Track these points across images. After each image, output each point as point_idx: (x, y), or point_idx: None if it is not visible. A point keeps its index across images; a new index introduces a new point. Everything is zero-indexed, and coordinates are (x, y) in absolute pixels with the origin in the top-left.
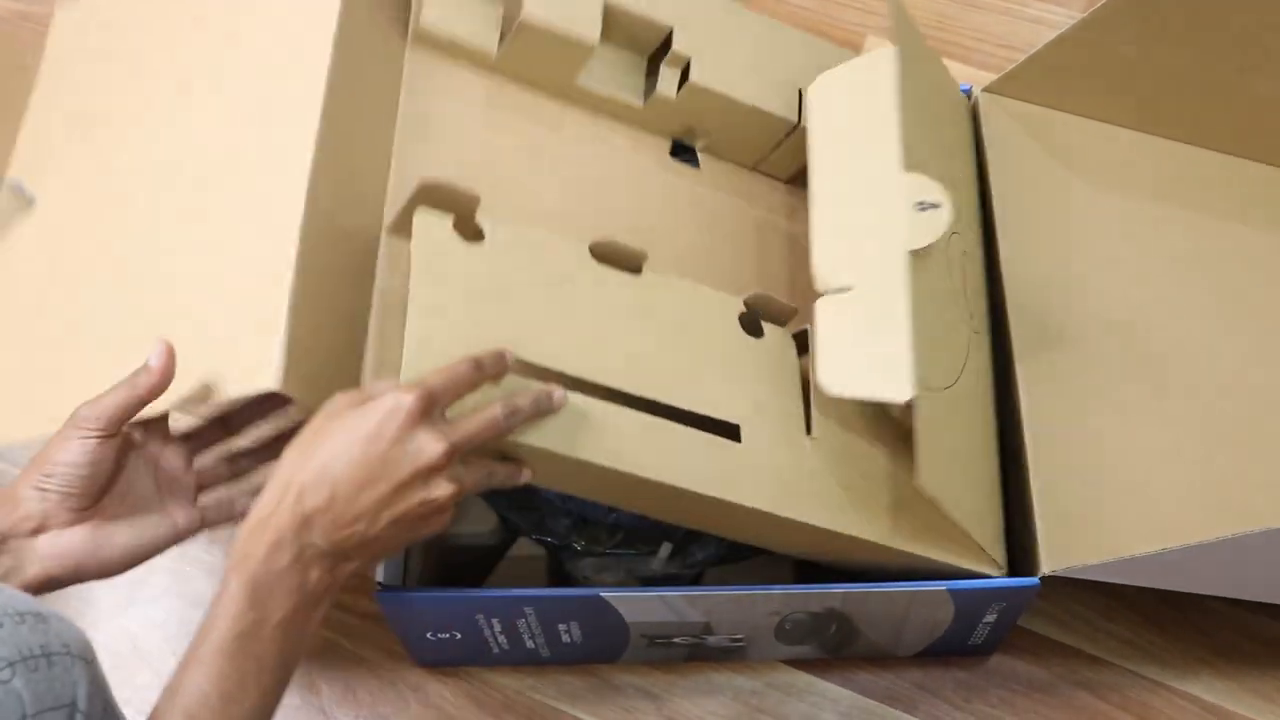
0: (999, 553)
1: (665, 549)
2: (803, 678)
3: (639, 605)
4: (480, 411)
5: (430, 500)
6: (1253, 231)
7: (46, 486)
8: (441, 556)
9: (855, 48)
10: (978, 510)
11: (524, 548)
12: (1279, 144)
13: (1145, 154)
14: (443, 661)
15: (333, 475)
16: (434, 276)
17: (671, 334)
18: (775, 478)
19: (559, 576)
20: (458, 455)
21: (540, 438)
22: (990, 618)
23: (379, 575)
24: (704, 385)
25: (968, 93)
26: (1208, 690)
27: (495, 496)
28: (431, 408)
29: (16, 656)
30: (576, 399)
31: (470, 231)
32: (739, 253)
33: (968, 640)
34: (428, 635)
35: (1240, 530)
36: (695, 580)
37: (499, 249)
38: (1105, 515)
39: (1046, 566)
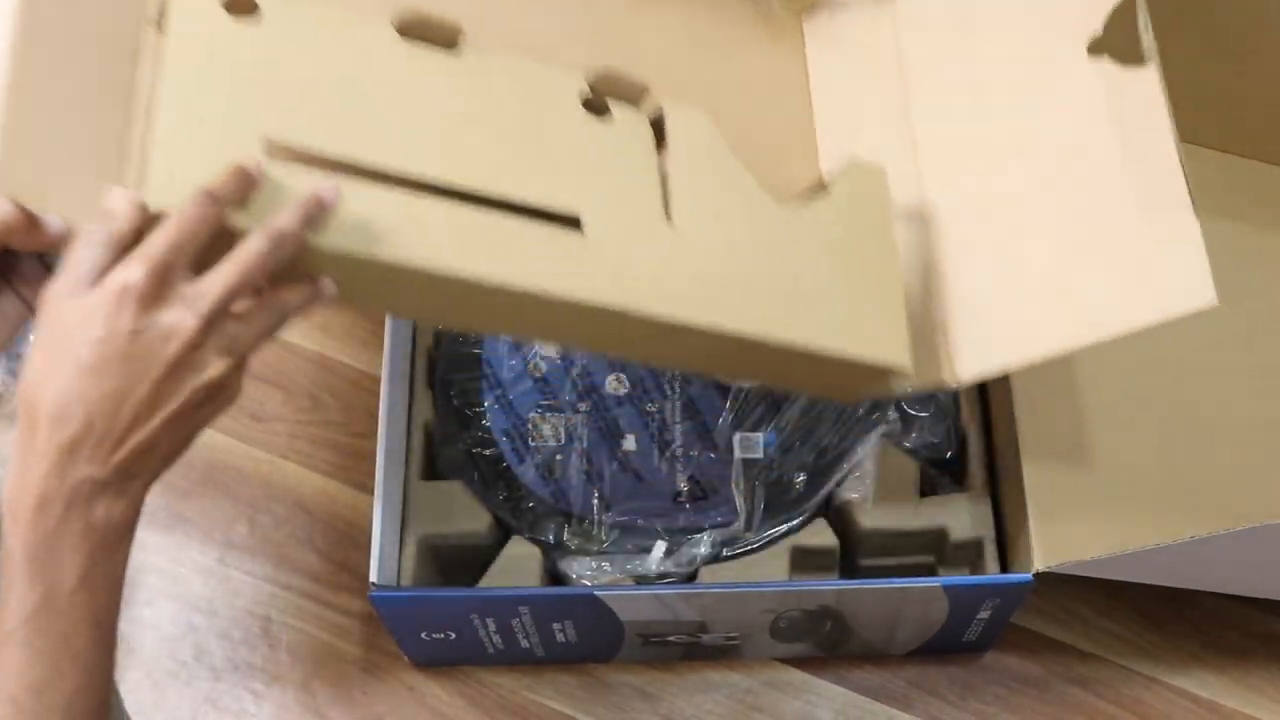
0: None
1: (659, 548)
2: (798, 676)
3: (634, 604)
4: (232, 255)
5: (204, 384)
6: (1245, 229)
7: None
8: (435, 556)
9: None
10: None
11: (518, 547)
12: (1271, 141)
13: None
14: (438, 661)
15: (77, 395)
16: (194, 67)
17: (499, 116)
18: (629, 269)
19: (553, 576)
20: (220, 318)
21: (335, 239)
22: (984, 614)
23: (373, 576)
24: (540, 172)
25: None
26: (1203, 686)
27: (489, 497)
28: (167, 276)
29: None
30: (380, 194)
31: (243, 9)
32: (570, 35)
33: (962, 637)
34: (422, 635)
35: (1235, 526)
36: (690, 579)
37: (278, 27)
38: (1099, 511)
39: (1040, 563)
